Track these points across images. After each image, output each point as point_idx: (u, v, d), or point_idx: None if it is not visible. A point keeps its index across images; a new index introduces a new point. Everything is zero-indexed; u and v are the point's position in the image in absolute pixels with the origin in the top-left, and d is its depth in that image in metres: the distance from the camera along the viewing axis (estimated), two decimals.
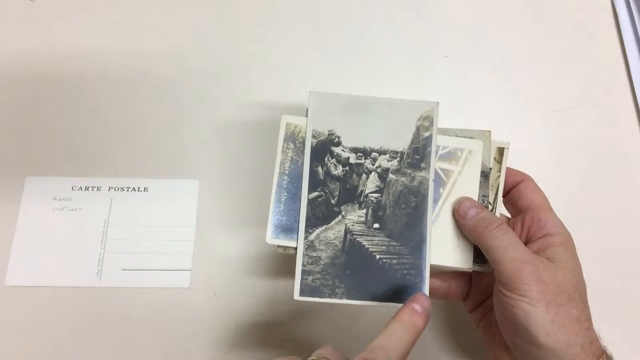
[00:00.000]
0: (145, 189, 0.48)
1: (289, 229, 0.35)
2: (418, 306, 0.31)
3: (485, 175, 0.37)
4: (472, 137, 0.37)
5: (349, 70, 0.53)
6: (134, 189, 0.48)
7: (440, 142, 0.37)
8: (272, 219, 0.35)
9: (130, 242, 0.46)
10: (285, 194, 0.36)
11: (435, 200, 0.36)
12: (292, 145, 0.36)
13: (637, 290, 0.47)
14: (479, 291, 0.38)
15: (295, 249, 0.35)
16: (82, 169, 0.48)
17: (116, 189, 0.48)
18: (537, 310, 0.31)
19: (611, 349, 0.33)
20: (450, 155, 0.37)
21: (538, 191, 0.37)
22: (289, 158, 0.36)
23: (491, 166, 0.37)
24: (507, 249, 0.32)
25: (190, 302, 0.45)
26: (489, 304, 0.37)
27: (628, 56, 0.54)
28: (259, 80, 0.52)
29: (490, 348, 0.37)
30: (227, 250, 0.46)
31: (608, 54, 0.55)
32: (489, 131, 0.37)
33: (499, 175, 0.37)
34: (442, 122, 0.37)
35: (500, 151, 0.37)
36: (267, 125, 0.50)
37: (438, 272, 0.38)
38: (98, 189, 0.48)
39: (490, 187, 0.37)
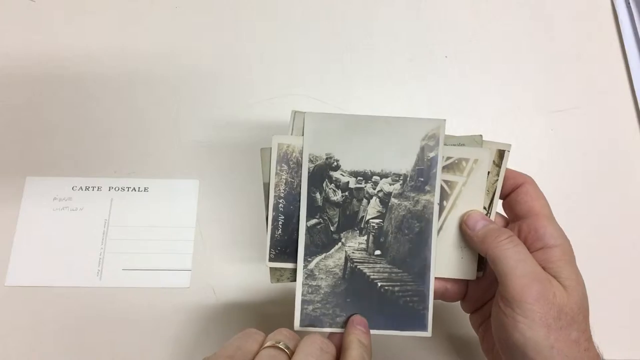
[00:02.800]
0: (145, 189, 0.48)
1: (287, 253, 0.34)
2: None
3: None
4: (462, 145, 0.35)
5: (349, 70, 0.53)
6: (134, 189, 0.48)
7: (444, 152, 0.34)
8: (270, 243, 0.34)
9: (131, 242, 0.46)
10: (283, 217, 0.34)
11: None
12: (285, 167, 0.34)
13: (637, 291, 0.47)
14: (477, 293, 0.37)
15: (291, 276, 0.34)
16: (82, 169, 0.48)
17: (116, 189, 0.48)
18: (537, 335, 0.29)
19: (610, 350, 0.33)
20: (454, 166, 0.35)
21: (537, 197, 0.34)
22: (284, 180, 0.34)
23: (489, 170, 0.35)
24: (518, 262, 0.31)
25: (190, 302, 0.45)
26: (488, 308, 0.36)
27: (628, 56, 0.54)
28: (259, 80, 0.52)
29: (489, 355, 0.36)
30: (227, 250, 0.46)
31: (608, 54, 0.55)
32: (480, 135, 0.35)
33: (497, 180, 0.35)
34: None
35: (500, 154, 0.35)
36: (267, 125, 0.50)
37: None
38: (98, 189, 0.48)
39: (486, 191, 0.35)
